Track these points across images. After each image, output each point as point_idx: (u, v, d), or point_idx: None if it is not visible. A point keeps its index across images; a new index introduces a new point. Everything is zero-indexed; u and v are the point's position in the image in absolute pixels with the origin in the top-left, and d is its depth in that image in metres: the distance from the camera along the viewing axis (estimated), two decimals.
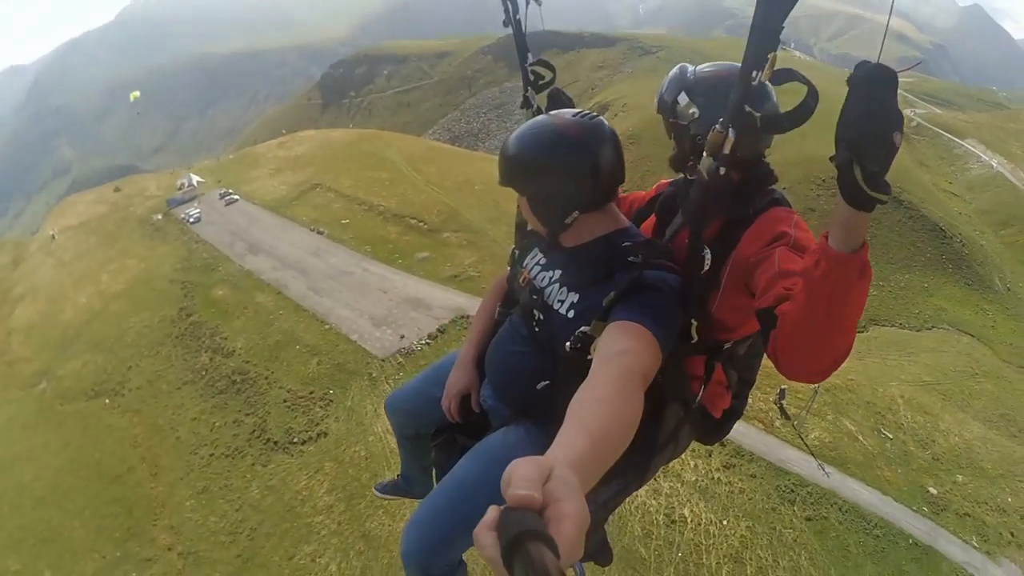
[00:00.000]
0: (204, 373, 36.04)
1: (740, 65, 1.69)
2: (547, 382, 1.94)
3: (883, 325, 52.47)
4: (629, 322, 1.58)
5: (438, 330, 36.49)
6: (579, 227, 1.94)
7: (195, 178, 60.88)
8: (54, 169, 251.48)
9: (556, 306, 1.95)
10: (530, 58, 2.45)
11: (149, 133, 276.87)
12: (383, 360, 34.56)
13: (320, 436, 30.39)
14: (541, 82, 2.45)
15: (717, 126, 1.66)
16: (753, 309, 1.77)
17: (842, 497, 25.50)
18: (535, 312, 2.01)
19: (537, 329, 2.01)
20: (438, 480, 2.32)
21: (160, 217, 55.25)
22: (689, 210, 1.80)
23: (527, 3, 2.38)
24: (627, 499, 2.17)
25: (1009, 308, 62.97)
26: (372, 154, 65.12)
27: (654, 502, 25.04)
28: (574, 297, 1.92)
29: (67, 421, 35.58)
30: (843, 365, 1.47)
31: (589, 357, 1.59)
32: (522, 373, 2.06)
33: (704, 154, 1.71)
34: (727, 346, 2.04)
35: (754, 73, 1.51)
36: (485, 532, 0.69)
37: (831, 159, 1.23)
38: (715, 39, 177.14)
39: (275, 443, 30.47)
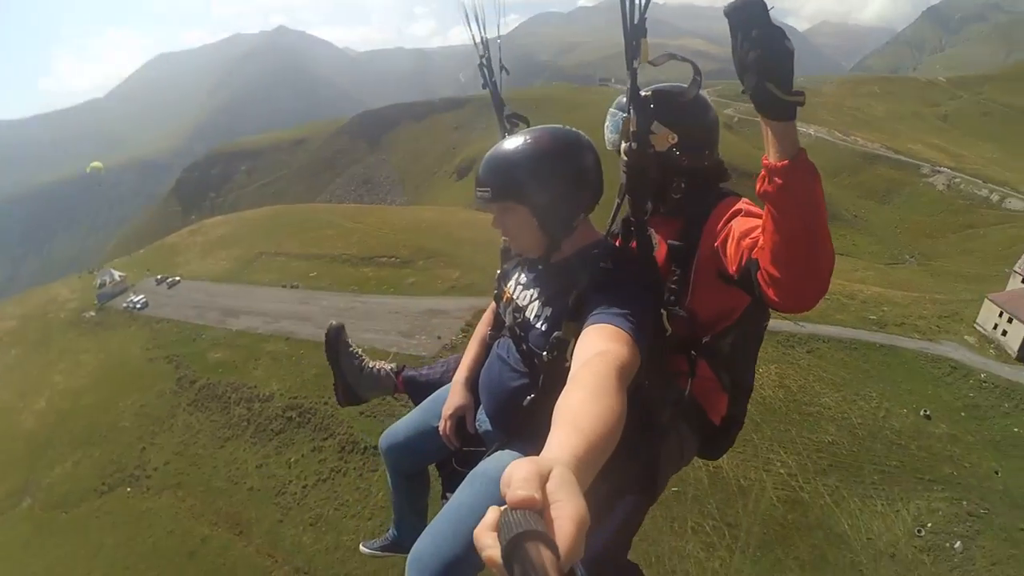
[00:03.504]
0: (247, 424, 34.17)
1: (659, 83, 2.01)
2: (531, 396, 1.92)
3: None
4: (602, 324, 1.58)
5: (468, 324, 39.10)
6: (573, 236, 1.97)
7: (116, 273, 57.01)
8: None
9: (535, 322, 1.98)
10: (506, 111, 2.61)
11: None
12: (434, 357, 35.93)
13: None
14: (516, 130, 2.45)
15: (626, 113, 1.86)
16: (729, 297, 1.97)
17: (820, 336, 38.40)
18: (517, 330, 2.03)
19: (521, 347, 2.01)
20: None
21: (93, 313, 51.17)
22: (623, 191, 1.90)
23: (500, 71, 2.69)
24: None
25: (860, 229, 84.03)
26: (305, 219, 65.17)
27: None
28: (548, 311, 1.95)
29: (85, 525, 31.51)
30: None
31: (567, 364, 1.57)
32: (509, 391, 2.05)
33: (620, 140, 1.89)
34: (705, 340, 2.09)
35: (635, 61, 1.67)
36: (486, 533, 0.68)
37: (743, 92, 1.35)
38: (548, 87, 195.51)
39: (375, 448, 29.63)
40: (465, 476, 2.13)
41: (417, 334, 38.93)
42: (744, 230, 1.76)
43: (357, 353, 2.95)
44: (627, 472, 1.88)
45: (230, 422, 34.56)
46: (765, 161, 1.44)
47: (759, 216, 1.76)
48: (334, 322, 2.99)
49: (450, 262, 49.78)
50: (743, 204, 1.98)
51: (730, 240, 1.81)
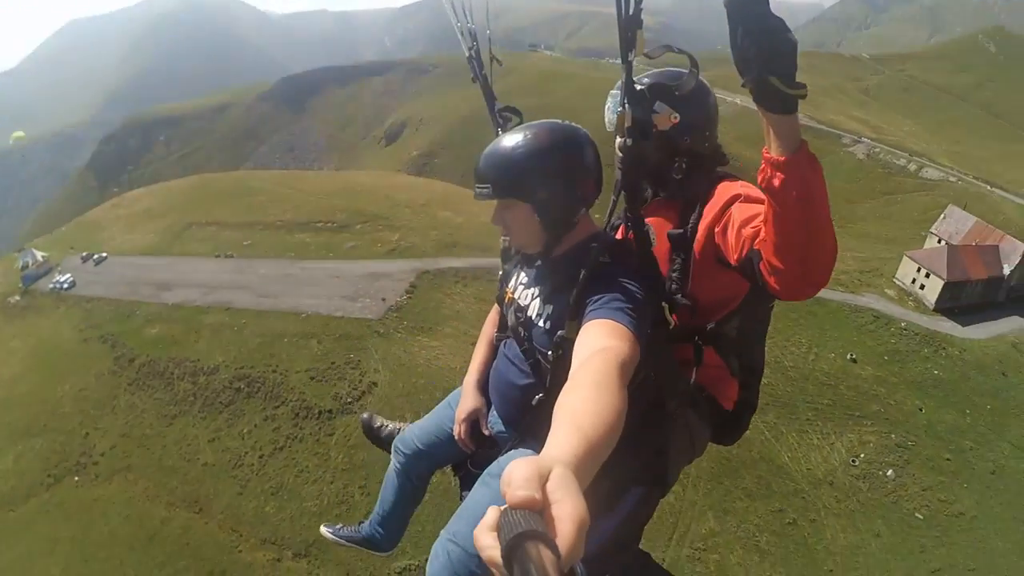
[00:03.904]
0: (194, 399, 33.20)
1: (659, 70, 1.99)
2: (540, 395, 1.94)
3: None
4: (601, 320, 1.59)
5: (411, 285, 39.78)
6: (573, 231, 1.98)
7: (38, 253, 53.68)
8: None
9: (537, 320, 1.99)
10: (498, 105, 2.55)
11: None
12: (380, 319, 36.41)
13: (372, 387, 31.23)
14: (509, 124, 2.48)
15: (621, 108, 1.80)
16: (731, 282, 1.93)
17: None
18: (521, 330, 2.05)
19: (526, 346, 2.02)
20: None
21: (18, 298, 48.15)
22: (619, 187, 1.90)
23: (491, 62, 2.59)
24: None
25: None
26: (234, 187, 62.78)
27: None
28: (549, 308, 1.95)
29: (36, 521, 29.51)
30: None
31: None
32: (518, 391, 2.07)
33: (616, 136, 1.84)
34: (710, 327, 2.07)
35: (630, 53, 1.62)
36: (485, 533, 0.68)
37: (743, 85, 1.30)
38: None
39: (329, 411, 30.29)
40: (475, 477, 2.20)
41: (361, 297, 38.73)
42: (744, 218, 1.75)
43: (396, 428, 3.04)
44: (633, 465, 1.87)
45: (175, 398, 33.34)
46: (767, 155, 1.42)
47: (758, 201, 1.79)
48: (365, 414, 3.17)
49: (389, 225, 49.47)
50: (741, 188, 1.99)
51: (730, 227, 1.81)
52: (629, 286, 1.72)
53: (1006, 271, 47.23)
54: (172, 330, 38.37)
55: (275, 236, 49.51)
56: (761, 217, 1.62)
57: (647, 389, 1.84)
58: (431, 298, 39.07)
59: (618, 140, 1.83)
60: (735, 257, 1.76)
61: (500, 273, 2.41)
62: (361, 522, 2.99)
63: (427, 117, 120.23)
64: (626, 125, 1.79)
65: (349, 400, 30.49)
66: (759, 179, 1.47)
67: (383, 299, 38.20)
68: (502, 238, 2.27)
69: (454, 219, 52.09)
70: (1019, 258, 47.37)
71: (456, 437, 2.36)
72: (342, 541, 2.99)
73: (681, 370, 2.05)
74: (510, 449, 2.11)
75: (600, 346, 1.46)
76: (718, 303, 2.06)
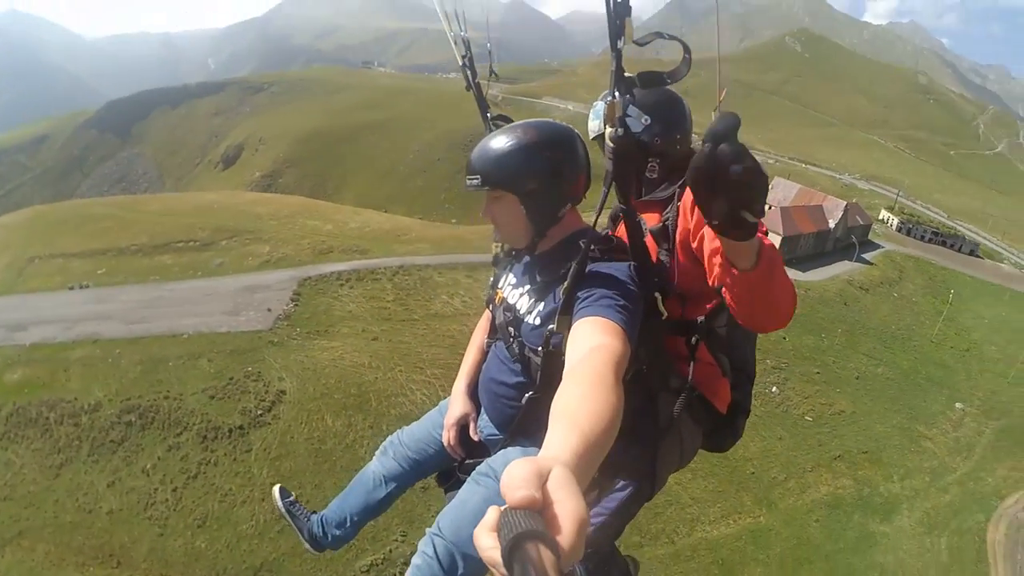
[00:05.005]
0: (80, 442, 29.85)
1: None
2: (531, 393, 1.92)
3: None
4: (593, 317, 1.60)
5: (295, 293, 38.92)
6: (558, 226, 2.00)
7: None
8: None
9: (526, 317, 2.00)
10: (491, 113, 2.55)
11: None
12: (271, 329, 35.16)
13: (281, 395, 30.21)
14: None
15: (610, 97, 1.74)
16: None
17: None
18: (510, 328, 2.04)
19: (514, 344, 2.02)
20: None
21: None
22: (610, 178, 1.84)
23: (490, 74, 2.66)
24: None
25: None
26: (74, 216, 56.99)
27: None
28: (539, 305, 1.97)
29: None
30: None
31: (563, 358, 1.56)
32: (508, 391, 2.07)
33: (606, 126, 1.78)
34: (700, 320, 2.08)
35: (620, 41, 1.59)
36: (486, 533, 0.68)
37: (707, 218, 1.24)
38: (307, 70, 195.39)
39: (240, 427, 28.68)
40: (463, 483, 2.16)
41: (243, 311, 37.10)
42: (714, 248, 1.65)
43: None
44: (625, 459, 1.92)
45: (58, 446, 29.45)
46: (731, 270, 1.48)
47: None
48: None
49: (257, 238, 47.36)
50: None
51: (703, 243, 1.78)
52: (619, 281, 1.76)
53: (831, 225, 56.31)
54: (36, 372, 34.15)
55: (132, 261, 45.57)
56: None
57: (639, 383, 1.89)
58: (319, 302, 38.27)
59: (608, 131, 1.78)
60: (709, 279, 1.73)
61: (490, 278, 2.41)
62: (314, 512, 2.86)
63: (267, 136, 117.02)
64: (617, 115, 1.74)
65: (259, 412, 29.18)
66: (721, 278, 1.56)
67: (268, 309, 37.08)
68: (494, 244, 2.34)
69: (323, 227, 51.26)
70: (841, 213, 57.23)
71: (445, 443, 2.33)
72: (287, 518, 2.84)
73: (675, 365, 2.07)
74: (503, 447, 2.11)
75: (594, 344, 1.48)
76: (705, 291, 2.04)
